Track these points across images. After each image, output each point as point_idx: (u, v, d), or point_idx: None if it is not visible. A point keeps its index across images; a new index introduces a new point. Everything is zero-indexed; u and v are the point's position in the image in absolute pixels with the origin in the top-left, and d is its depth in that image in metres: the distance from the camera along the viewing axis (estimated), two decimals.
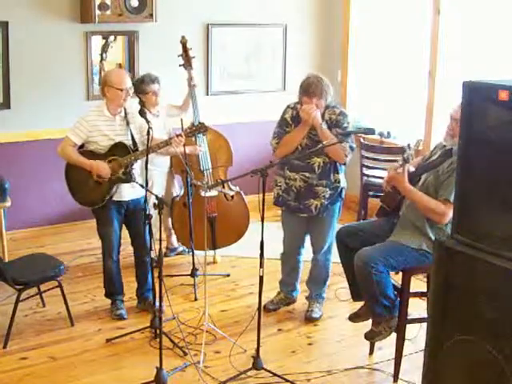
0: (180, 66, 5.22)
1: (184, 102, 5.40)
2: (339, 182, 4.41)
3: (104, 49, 6.00)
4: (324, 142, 4.12)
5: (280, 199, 4.50)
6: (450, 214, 3.64)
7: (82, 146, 4.41)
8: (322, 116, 4.30)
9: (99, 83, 5.46)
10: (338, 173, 4.39)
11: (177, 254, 5.67)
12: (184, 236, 5.20)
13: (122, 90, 4.30)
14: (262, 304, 3.95)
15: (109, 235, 4.47)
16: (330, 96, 4.31)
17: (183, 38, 5.21)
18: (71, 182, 4.45)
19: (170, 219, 5.42)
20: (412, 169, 3.87)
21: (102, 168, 4.30)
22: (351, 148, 4.28)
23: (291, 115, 4.41)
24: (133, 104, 4.66)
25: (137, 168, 4.46)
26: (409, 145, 3.80)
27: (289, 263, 4.69)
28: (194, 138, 5.07)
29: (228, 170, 5.44)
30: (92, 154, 4.36)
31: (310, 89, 4.24)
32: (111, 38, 6.01)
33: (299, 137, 4.32)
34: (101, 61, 6.00)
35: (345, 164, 4.38)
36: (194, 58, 5.24)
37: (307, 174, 4.35)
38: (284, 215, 4.60)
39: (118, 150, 4.35)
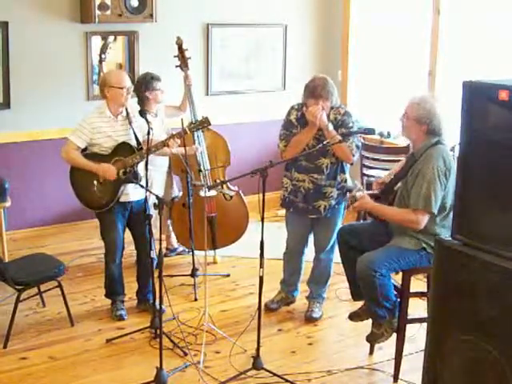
0: (176, 66, 5.22)
1: (182, 103, 5.40)
2: (346, 182, 4.42)
3: (103, 50, 5.99)
4: (325, 142, 4.13)
5: (287, 201, 4.50)
6: (422, 220, 3.67)
7: (84, 149, 4.40)
8: (328, 117, 4.31)
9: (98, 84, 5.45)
10: (344, 172, 4.41)
11: (177, 254, 5.67)
12: (184, 236, 5.20)
13: (122, 89, 4.30)
14: (263, 304, 3.95)
15: (113, 239, 4.45)
16: (335, 97, 4.32)
17: (179, 38, 5.20)
18: (77, 185, 4.42)
19: (168, 220, 5.42)
20: (391, 177, 3.96)
21: (110, 171, 4.28)
22: (357, 147, 4.30)
23: (296, 116, 4.41)
24: (132, 104, 4.65)
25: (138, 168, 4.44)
26: (349, 190, 3.99)
27: (292, 263, 4.69)
28: (192, 138, 5.07)
29: (226, 169, 5.44)
30: (96, 156, 4.34)
31: (316, 91, 4.24)
32: (110, 38, 6.01)
33: (307, 139, 4.32)
34: (100, 61, 6.00)
35: (352, 164, 4.39)
36: (189, 58, 5.24)
37: (316, 175, 4.36)
38: (289, 216, 4.59)
39: (123, 151, 4.33)
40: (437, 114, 3.72)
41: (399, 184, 3.88)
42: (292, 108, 4.48)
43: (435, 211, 3.65)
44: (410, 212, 3.69)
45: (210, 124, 4.44)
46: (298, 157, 4.29)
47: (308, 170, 4.37)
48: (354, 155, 4.29)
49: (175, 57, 5.21)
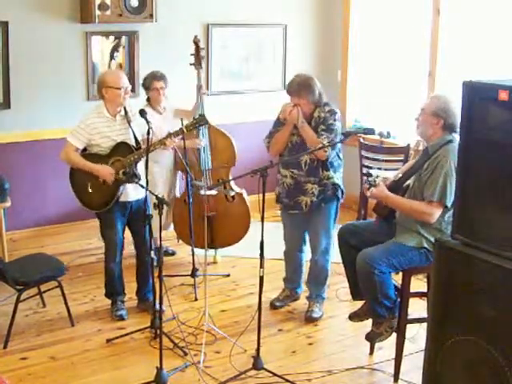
0: (191, 64, 5.24)
1: (193, 108, 5.34)
2: (329, 179, 4.41)
3: (115, 48, 5.99)
4: (318, 146, 4.15)
5: (277, 197, 4.57)
6: (436, 212, 3.67)
7: (84, 149, 4.40)
8: (312, 114, 4.35)
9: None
10: (327, 170, 4.40)
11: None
12: (183, 233, 5.21)
13: (120, 89, 4.30)
14: (268, 301, 3.93)
15: (113, 238, 4.46)
16: (313, 95, 4.34)
17: (196, 37, 5.25)
18: (76, 186, 4.43)
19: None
20: (399, 175, 3.93)
21: (108, 173, 4.29)
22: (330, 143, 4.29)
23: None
24: (132, 104, 4.64)
25: (138, 168, 4.44)
26: (369, 173, 3.98)
27: (291, 261, 4.72)
28: (195, 132, 5.05)
29: (231, 170, 5.42)
30: (95, 157, 4.35)
31: (289, 88, 4.38)
32: (123, 38, 5.99)
33: (285, 135, 4.41)
34: (110, 60, 5.99)
35: (327, 160, 4.36)
36: (203, 58, 5.28)
37: (295, 171, 4.41)
38: (282, 214, 4.66)
39: (121, 151, 4.34)
40: (452, 109, 3.72)
41: (409, 181, 3.87)
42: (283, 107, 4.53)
43: (449, 204, 3.65)
44: (426, 204, 3.69)
45: (207, 122, 4.46)
46: (287, 155, 4.37)
47: (289, 165, 4.43)
48: (326, 151, 4.28)
49: (192, 55, 5.23)
